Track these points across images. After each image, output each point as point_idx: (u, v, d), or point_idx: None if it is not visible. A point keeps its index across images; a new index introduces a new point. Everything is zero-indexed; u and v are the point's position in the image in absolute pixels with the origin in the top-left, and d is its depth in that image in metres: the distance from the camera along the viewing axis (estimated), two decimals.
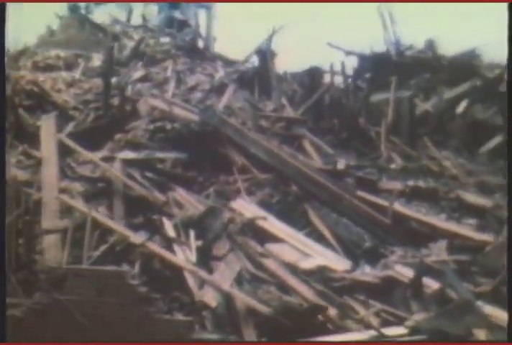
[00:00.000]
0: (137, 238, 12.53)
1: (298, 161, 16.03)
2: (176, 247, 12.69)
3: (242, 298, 11.62)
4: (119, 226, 12.84)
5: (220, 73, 19.56)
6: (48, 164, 15.75)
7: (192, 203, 14.30)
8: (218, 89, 18.80)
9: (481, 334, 13.24)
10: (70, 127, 17.50)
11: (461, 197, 17.75)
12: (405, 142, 19.80)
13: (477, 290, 14.56)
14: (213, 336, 10.39)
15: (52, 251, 13.18)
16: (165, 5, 26.04)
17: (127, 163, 15.50)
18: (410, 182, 17.36)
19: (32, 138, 17.08)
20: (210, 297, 11.47)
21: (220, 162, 15.88)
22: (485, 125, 21.45)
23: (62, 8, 25.69)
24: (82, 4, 26.27)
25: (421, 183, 17.62)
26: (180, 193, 14.60)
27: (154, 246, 12.37)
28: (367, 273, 13.76)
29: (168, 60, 20.47)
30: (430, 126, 21.25)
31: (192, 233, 12.99)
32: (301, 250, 13.90)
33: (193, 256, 12.53)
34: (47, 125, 17.00)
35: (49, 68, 20.42)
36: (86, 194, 14.70)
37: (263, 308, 11.50)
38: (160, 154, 15.73)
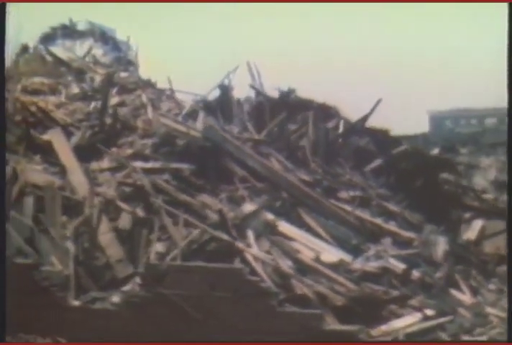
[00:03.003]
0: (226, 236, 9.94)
1: (285, 172, 13.88)
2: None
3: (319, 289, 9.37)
4: (207, 227, 10.14)
5: (189, 102, 16.99)
6: (73, 171, 12.85)
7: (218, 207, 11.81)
8: (191, 114, 16.22)
9: (463, 311, 11.82)
10: (75, 140, 14.45)
11: (382, 204, 16.31)
12: (324, 161, 17.95)
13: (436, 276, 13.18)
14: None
15: (111, 248, 10.37)
16: (109, 48, 22.90)
17: (147, 171, 12.77)
18: (351, 193, 15.58)
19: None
20: (305, 291, 9.12)
21: (223, 173, 13.39)
22: (364, 150, 20.18)
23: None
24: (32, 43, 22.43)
25: (355, 193, 15.91)
26: (206, 198, 12.07)
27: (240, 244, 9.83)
28: (368, 264, 11.88)
29: (138, 89, 17.62)
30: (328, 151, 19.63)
31: (250, 233, 10.52)
32: (310, 246, 11.82)
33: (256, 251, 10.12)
34: (57, 138, 14.05)
35: (36, 92, 16.99)
36: (121, 197, 11.89)
37: (336, 297, 9.33)
38: (174, 165, 13.03)
